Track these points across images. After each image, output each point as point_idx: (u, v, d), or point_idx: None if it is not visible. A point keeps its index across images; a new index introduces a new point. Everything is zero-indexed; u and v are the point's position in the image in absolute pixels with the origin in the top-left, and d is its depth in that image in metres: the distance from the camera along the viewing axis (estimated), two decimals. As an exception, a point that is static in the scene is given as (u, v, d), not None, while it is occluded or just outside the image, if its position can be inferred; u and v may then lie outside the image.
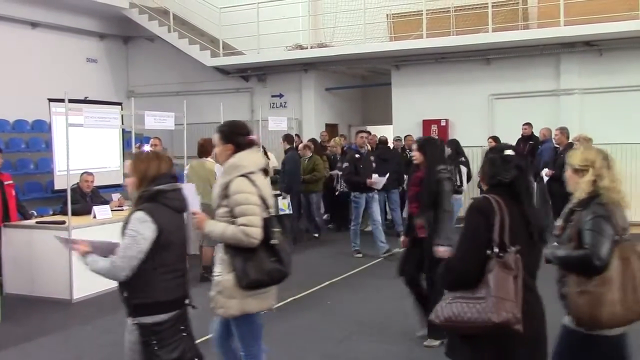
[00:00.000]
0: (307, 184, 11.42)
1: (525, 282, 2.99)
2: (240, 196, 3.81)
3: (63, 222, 7.84)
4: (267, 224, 3.87)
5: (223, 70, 16.01)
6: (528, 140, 12.23)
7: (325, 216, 12.82)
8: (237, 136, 3.96)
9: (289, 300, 7.38)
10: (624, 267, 3.28)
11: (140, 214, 3.33)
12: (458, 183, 9.58)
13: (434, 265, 5.18)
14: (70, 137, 8.00)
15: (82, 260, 3.44)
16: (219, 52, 15.32)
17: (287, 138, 11.65)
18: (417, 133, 13.66)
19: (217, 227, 3.84)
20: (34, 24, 14.77)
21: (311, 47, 14.79)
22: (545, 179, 10.36)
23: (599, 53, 12.70)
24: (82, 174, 9.32)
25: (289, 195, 10.97)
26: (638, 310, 3.30)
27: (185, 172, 9.13)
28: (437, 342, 5.53)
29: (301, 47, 15.00)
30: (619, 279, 3.26)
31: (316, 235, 11.74)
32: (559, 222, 3.52)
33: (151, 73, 16.96)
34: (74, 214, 8.02)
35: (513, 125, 12.44)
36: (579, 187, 3.45)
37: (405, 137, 13.21)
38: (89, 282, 7.78)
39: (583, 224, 3.31)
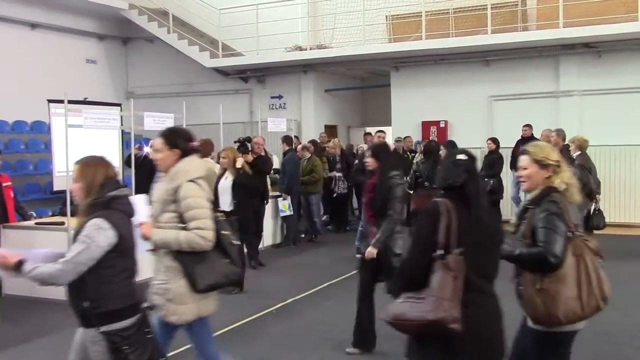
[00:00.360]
0: (307, 185, 11.43)
1: (473, 283, 3.04)
2: (191, 200, 3.82)
3: (62, 223, 7.84)
4: (216, 227, 3.90)
5: (222, 72, 16.02)
6: (528, 142, 12.18)
7: (324, 217, 12.82)
8: (182, 142, 3.96)
9: (289, 301, 7.39)
10: (578, 263, 3.36)
11: (98, 221, 3.28)
12: None
13: (390, 274, 5.26)
14: (69, 138, 8.00)
15: (12, 272, 3.30)
16: (218, 53, 15.33)
17: (287, 139, 11.66)
18: (417, 134, 13.71)
19: (168, 234, 3.81)
20: (34, 25, 14.78)
21: (310, 49, 14.80)
22: None
23: (598, 55, 12.72)
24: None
25: (289, 197, 10.99)
26: (594, 305, 3.38)
27: None
28: (357, 350, 5.53)
29: (300, 49, 15.01)
30: (574, 276, 3.34)
31: (315, 236, 11.74)
32: (513, 220, 3.64)
33: (150, 74, 16.96)
34: (73, 215, 8.00)
35: (512, 126, 12.45)
36: (543, 182, 3.52)
37: (405, 138, 13.21)
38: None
39: (536, 221, 3.37)
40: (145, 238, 3.81)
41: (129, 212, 3.50)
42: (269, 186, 10.32)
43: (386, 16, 14.68)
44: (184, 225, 3.80)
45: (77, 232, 3.33)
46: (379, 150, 5.76)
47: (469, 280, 3.01)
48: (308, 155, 11.64)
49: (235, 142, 9.62)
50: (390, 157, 5.77)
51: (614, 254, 9.78)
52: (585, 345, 5.82)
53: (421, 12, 13.56)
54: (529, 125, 12.24)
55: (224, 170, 8.32)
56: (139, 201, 3.81)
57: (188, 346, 5.87)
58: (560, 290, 3.31)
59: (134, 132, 9.96)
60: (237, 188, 8.64)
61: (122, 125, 10.86)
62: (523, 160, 3.58)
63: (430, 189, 8.81)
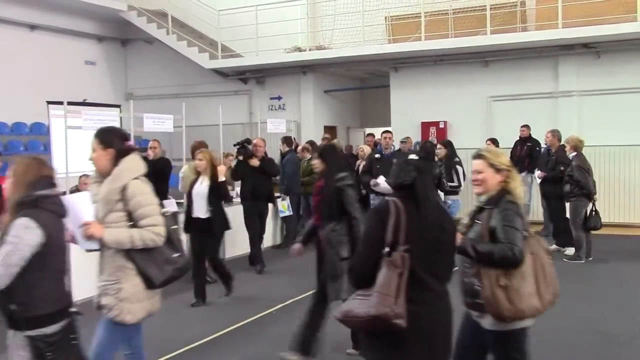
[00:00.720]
0: (307, 186, 11.40)
1: (422, 281, 3.10)
2: (141, 198, 3.80)
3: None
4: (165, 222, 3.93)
5: (222, 73, 16.02)
6: (526, 142, 12.23)
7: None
8: (117, 141, 3.91)
9: (288, 302, 7.38)
10: (535, 261, 3.54)
11: (24, 220, 3.21)
12: (455, 183, 9.49)
13: (335, 277, 5.20)
14: (68, 139, 8.00)
15: None
16: (217, 55, 15.33)
17: (286, 140, 11.65)
18: (416, 135, 13.70)
19: (121, 233, 3.74)
20: (33, 27, 14.79)
21: (310, 50, 14.80)
22: (538, 180, 10.37)
23: (596, 55, 12.72)
24: (81, 176, 9.32)
25: (288, 197, 10.99)
26: (549, 299, 3.60)
27: (182, 174, 9.20)
28: (294, 357, 5.39)
29: (300, 50, 15.02)
30: (532, 272, 3.52)
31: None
32: (465, 220, 3.74)
33: (150, 75, 16.96)
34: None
35: (511, 127, 12.45)
36: (496, 186, 3.67)
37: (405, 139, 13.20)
38: (87, 285, 7.79)
39: (497, 220, 3.51)
40: (92, 237, 3.72)
41: (59, 212, 3.43)
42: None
43: (385, 17, 14.69)
44: (132, 223, 3.77)
45: (4, 232, 3.24)
46: (326, 151, 5.62)
47: (418, 278, 3.08)
48: (308, 156, 11.63)
49: (234, 145, 9.57)
50: (337, 158, 5.58)
51: (614, 255, 9.86)
52: (585, 345, 5.84)
53: (420, 13, 13.57)
54: (526, 126, 12.24)
55: (198, 174, 7.64)
56: (84, 200, 3.74)
57: (188, 347, 5.89)
58: (522, 286, 3.47)
59: (133, 133, 9.96)
60: (245, 190, 8.71)
61: (121, 126, 10.85)
62: (478, 164, 3.75)
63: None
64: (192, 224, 7.39)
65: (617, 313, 6.83)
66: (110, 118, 9.14)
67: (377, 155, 10.07)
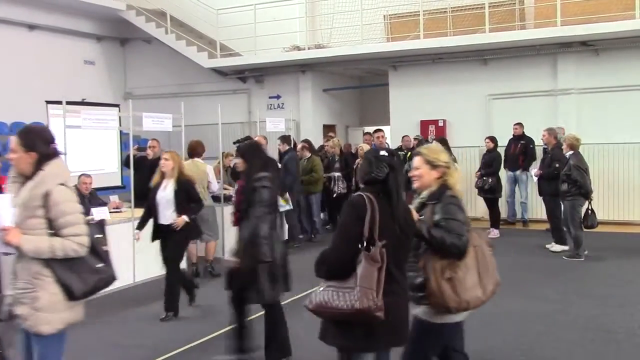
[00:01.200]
0: (307, 185, 11.41)
1: (391, 274, 3.26)
2: (66, 205, 3.57)
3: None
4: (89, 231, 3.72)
5: (220, 72, 16.02)
6: (519, 140, 12.30)
7: (322, 216, 12.80)
8: (40, 144, 3.64)
9: (288, 300, 7.38)
10: (477, 253, 3.68)
11: None
12: None
13: (254, 282, 5.06)
14: (67, 139, 8.00)
15: None
16: (216, 54, 15.33)
17: (286, 139, 11.63)
18: (415, 133, 13.69)
19: (41, 242, 3.50)
20: (32, 27, 14.78)
21: (308, 48, 14.80)
22: (535, 178, 10.38)
23: (595, 53, 12.73)
24: (80, 176, 9.35)
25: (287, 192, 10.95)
26: (490, 290, 3.72)
27: None
28: (227, 357, 5.36)
29: (298, 48, 15.01)
30: (475, 264, 3.65)
31: (314, 235, 11.73)
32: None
33: (148, 75, 16.96)
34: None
35: (510, 125, 12.48)
36: (433, 182, 3.79)
37: (403, 137, 13.21)
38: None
39: (441, 214, 3.63)
40: (9, 244, 3.49)
41: None
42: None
43: (384, 15, 14.68)
44: (53, 231, 3.54)
45: None
46: (247, 151, 5.48)
47: (388, 272, 3.22)
48: (308, 154, 11.64)
49: (234, 143, 9.50)
50: (258, 158, 5.40)
51: (612, 252, 9.87)
52: (585, 342, 5.85)
53: (419, 12, 13.57)
54: (519, 124, 12.34)
55: (161, 178, 6.99)
56: (4, 203, 3.54)
57: (187, 346, 5.89)
58: (466, 278, 3.59)
59: (132, 132, 9.96)
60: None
61: (120, 125, 10.85)
62: (416, 160, 3.85)
63: None
64: (158, 231, 6.89)
65: (616, 310, 6.84)
66: (109, 117, 9.13)
67: None
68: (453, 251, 3.56)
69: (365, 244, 3.20)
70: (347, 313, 3.16)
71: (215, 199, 9.66)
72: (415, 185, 3.83)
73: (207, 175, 8.99)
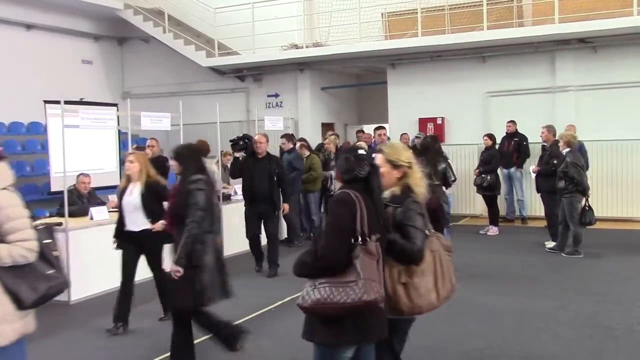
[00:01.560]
0: (306, 184, 11.39)
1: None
2: (11, 210, 3.42)
3: (60, 224, 7.83)
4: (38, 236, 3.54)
5: (219, 71, 16.01)
6: (513, 137, 12.34)
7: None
8: None
9: (287, 299, 7.39)
10: (434, 258, 3.71)
11: None
12: (452, 178, 9.37)
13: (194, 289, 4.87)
14: (66, 138, 8.00)
15: None
16: (214, 53, 15.32)
17: (290, 137, 11.58)
18: (414, 131, 13.70)
19: None
20: (29, 26, 14.76)
21: (306, 47, 14.79)
22: (533, 175, 10.38)
23: (593, 50, 12.73)
24: (79, 175, 9.34)
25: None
26: (445, 295, 3.76)
27: None
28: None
29: (296, 47, 15.00)
30: (432, 269, 3.69)
31: (313, 234, 11.72)
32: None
33: (147, 74, 16.94)
34: (71, 215, 8.02)
35: (506, 122, 12.51)
36: (395, 182, 3.80)
37: (401, 135, 13.22)
38: (87, 284, 7.81)
39: (402, 218, 3.65)
40: None
41: None
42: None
43: (382, 13, 14.68)
44: None
45: None
46: (182, 152, 5.29)
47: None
48: (307, 153, 11.62)
49: (230, 141, 9.33)
50: (193, 160, 5.21)
51: (610, 249, 9.88)
52: (584, 339, 5.86)
53: (417, 9, 13.57)
54: (512, 121, 12.39)
55: (127, 182, 6.40)
56: None
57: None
58: (421, 283, 3.63)
59: (130, 132, 9.96)
60: (243, 190, 8.39)
61: (118, 125, 10.85)
62: (378, 158, 3.83)
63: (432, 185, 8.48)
64: (125, 238, 6.44)
65: (614, 306, 6.85)
66: (107, 117, 9.12)
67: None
68: (404, 258, 3.60)
69: (360, 238, 3.24)
70: (353, 306, 3.18)
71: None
72: None
73: (214, 173, 8.99)
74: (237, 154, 8.89)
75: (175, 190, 5.25)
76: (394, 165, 3.79)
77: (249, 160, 8.78)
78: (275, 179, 8.67)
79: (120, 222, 6.47)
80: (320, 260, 3.29)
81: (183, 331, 5.07)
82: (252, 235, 8.92)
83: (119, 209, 6.48)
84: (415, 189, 3.78)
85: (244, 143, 8.83)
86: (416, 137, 12.55)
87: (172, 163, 5.38)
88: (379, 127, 10.78)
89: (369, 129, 16.53)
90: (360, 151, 3.48)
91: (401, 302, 3.60)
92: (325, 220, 3.43)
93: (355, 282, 3.19)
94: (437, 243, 3.81)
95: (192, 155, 5.29)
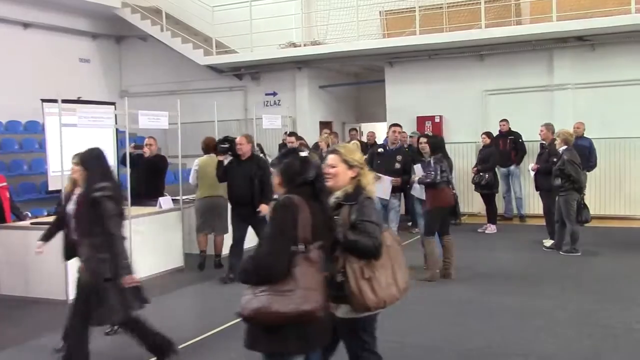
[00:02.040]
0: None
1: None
2: None
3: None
4: None
5: (216, 69, 15.98)
6: (507, 136, 12.36)
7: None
8: None
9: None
10: (389, 252, 3.74)
11: None
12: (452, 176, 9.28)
13: (103, 302, 4.75)
14: (63, 137, 7.98)
15: None
16: (212, 51, 15.29)
17: (295, 135, 11.57)
18: (412, 130, 13.69)
19: None
20: (26, 25, 14.71)
21: (304, 45, 14.77)
22: (532, 173, 10.38)
23: (591, 48, 12.73)
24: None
25: None
26: (403, 288, 3.78)
27: (195, 167, 9.33)
28: None
29: (294, 45, 14.98)
30: (389, 263, 3.71)
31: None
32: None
33: (144, 72, 16.91)
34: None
35: (499, 121, 12.53)
36: (348, 182, 3.79)
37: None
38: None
39: (358, 215, 3.64)
40: None
41: None
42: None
43: (380, 12, 14.66)
44: None
45: None
46: (87, 158, 5.03)
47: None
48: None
49: (217, 142, 8.82)
50: (98, 165, 4.99)
51: (607, 247, 9.89)
52: (583, 338, 5.85)
53: (415, 7, 13.56)
54: (505, 120, 12.41)
55: (73, 187, 5.45)
56: None
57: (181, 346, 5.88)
58: (382, 277, 3.65)
59: (128, 130, 9.92)
60: (228, 194, 8.31)
61: (116, 123, 10.82)
62: (332, 158, 3.84)
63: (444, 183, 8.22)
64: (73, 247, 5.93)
65: (612, 305, 6.85)
66: (105, 115, 9.10)
67: (379, 150, 9.28)
68: (368, 252, 3.59)
69: (302, 245, 3.20)
70: (291, 316, 3.14)
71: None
72: (330, 183, 3.75)
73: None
74: (220, 157, 8.43)
75: (81, 198, 4.98)
76: (349, 165, 3.80)
77: (233, 163, 8.42)
78: (257, 181, 8.19)
79: (56, 228, 5.67)
80: (260, 267, 3.22)
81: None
82: (235, 241, 8.46)
83: (62, 215, 5.55)
84: (367, 187, 3.80)
85: (227, 146, 8.38)
86: (410, 136, 12.58)
87: (76, 169, 5.09)
88: (394, 124, 9.95)
89: (369, 127, 16.58)
90: (303, 153, 3.43)
91: (367, 297, 3.60)
92: (267, 226, 3.33)
93: (292, 291, 3.15)
94: (390, 237, 3.84)
95: (97, 161, 5.04)
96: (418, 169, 8.51)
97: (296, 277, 3.17)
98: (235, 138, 8.46)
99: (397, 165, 8.84)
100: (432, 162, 8.09)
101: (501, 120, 12.43)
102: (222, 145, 8.32)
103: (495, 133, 12.20)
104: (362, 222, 3.60)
